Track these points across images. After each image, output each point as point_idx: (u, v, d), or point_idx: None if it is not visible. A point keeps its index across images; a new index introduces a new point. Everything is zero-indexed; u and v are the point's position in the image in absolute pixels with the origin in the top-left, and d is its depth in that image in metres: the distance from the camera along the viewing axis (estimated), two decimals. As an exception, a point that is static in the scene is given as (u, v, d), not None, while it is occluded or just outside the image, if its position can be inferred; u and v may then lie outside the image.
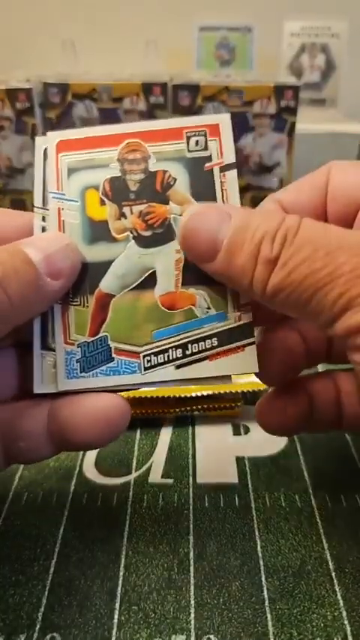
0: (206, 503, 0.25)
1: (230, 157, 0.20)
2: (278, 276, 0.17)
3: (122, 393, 0.20)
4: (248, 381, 0.30)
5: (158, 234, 0.20)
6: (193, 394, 0.30)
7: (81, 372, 0.20)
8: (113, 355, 0.20)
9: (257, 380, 0.29)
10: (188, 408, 0.30)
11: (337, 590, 0.21)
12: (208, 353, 0.20)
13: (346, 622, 0.20)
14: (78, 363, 0.20)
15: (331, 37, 0.74)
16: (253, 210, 0.20)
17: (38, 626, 0.20)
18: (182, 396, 0.30)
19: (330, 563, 0.22)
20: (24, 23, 0.84)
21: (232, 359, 0.20)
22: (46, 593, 0.21)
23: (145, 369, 0.20)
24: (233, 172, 0.20)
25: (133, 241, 0.20)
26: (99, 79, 0.51)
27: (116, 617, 0.21)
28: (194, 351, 0.20)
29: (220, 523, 0.24)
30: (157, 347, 0.20)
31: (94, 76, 0.53)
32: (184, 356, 0.20)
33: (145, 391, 0.30)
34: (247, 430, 0.30)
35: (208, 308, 0.20)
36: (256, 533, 0.24)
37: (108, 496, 0.26)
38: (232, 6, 0.79)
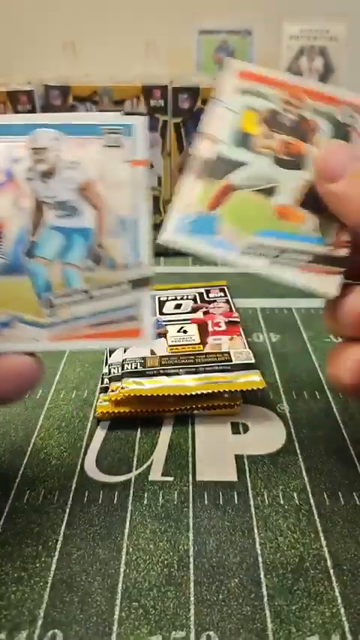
0: (206, 501, 0.26)
1: None
2: None
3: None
4: (247, 380, 0.30)
5: (292, 161, 0.23)
6: (193, 393, 0.30)
7: (187, 232, 0.23)
8: (219, 232, 0.23)
9: (256, 379, 0.30)
10: (188, 407, 0.30)
11: (335, 587, 0.22)
12: (301, 263, 0.23)
13: (344, 619, 0.21)
14: (190, 225, 0.23)
15: (330, 40, 0.74)
16: None
17: (40, 623, 0.20)
18: (182, 394, 0.30)
19: (328, 561, 0.23)
20: (25, 25, 0.84)
21: (320, 277, 0.23)
22: (48, 589, 0.22)
23: (243, 253, 0.23)
24: None
25: (269, 157, 0.23)
26: (100, 82, 0.52)
27: (117, 613, 0.21)
28: (291, 257, 0.23)
29: (220, 520, 0.25)
30: (260, 241, 0.23)
31: (95, 78, 0.53)
32: (281, 257, 0.23)
33: (146, 390, 0.30)
34: (246, 429, 0.30)
35: (314, 231, 0.23)
36: (255, 531, 0.24)
37: (109, 494, 0.26)
38: (232, 9, 0.79)
